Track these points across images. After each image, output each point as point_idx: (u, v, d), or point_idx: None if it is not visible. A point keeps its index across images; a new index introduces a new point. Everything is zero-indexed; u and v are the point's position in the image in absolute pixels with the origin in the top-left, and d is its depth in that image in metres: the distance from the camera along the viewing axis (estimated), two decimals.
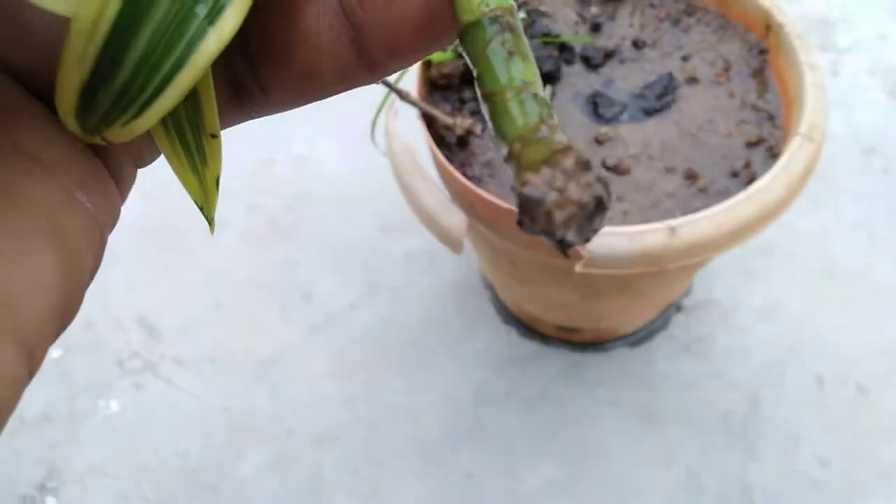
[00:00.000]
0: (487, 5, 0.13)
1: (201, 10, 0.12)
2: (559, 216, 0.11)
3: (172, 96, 0.13)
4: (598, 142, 0.62)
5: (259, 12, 0.13)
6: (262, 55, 0.15)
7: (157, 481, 0.75)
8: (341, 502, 0.73)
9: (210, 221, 0.17)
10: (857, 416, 0.74)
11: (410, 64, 0.15)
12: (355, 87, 0.16)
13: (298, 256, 0.88)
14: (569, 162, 0.12)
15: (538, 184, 0.12)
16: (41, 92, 0.14)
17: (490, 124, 0.13)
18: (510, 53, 0.13)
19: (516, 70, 0.13)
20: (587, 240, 0.12)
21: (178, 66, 0.13)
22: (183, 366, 0.82)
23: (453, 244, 0.60)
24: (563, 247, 0.12)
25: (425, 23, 0.14)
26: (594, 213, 0.12)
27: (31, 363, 0.13)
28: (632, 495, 0.71)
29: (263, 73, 0.15)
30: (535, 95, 0.13)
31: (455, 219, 0.59)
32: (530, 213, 0.12)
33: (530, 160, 0.12)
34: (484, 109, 0.13)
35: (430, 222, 0.60)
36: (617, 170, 0.61)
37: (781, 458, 0.72)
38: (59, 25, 0.13)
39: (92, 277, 0.15)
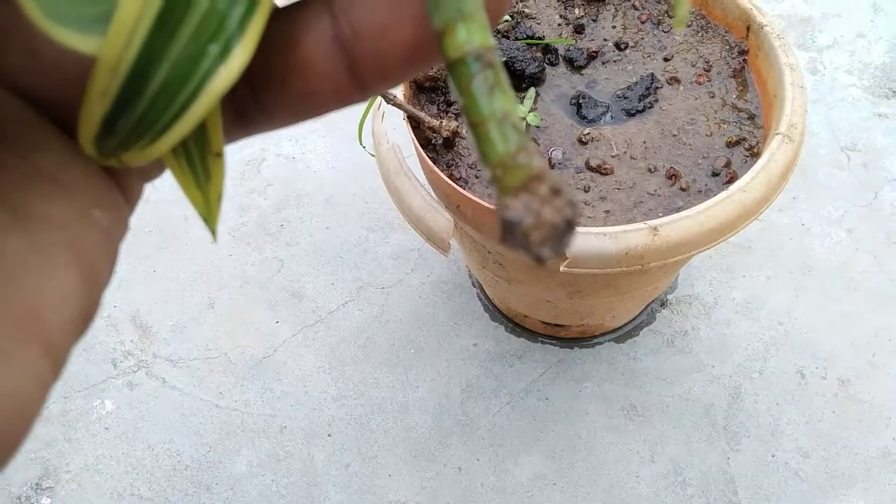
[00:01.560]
0: (471, 44, 0.14)
1: (213, 50, 0.14)
2: (535, 236, 0.13)
3: (187, 125, 0.14)
4: (582, 142, 0.64)
5: (261, 42, 0.15)
6: (264, 81, 0.17)
7: (152, 479, 0.76)
8: (334, 497, 0.74)
9: (213, 232, 0.19)
10: (838, 408, 0.75)
11: (400, 83, 0.17)
12: (348, 105, 0.18)
13: (289, 256, 0.89)
14: (544, 188, 0.13)
15: (517, 208, 0.13)
16: (54, 115, 0.16)
17: (476, 150, 0.14)
18: (491, 88, 0.14)
19: (497, 103, 0.14)
20: (560, 254, 0.14)
21: (192, 99, 0.14)
22: (176, 365, 0.83)
23: (440, 245, 0.61)
24: (539, 261, 0.14)
25: (415, 52, 0.16)
26: (565, 232, 0.13)
27: (56, 367, 0.14)
28: (618, 488, 0.73)
29: (264, 97, 0.17)
30: (514, 126, 0.14)
31: (442, 220, 0.59)
32: (511, 233, 0.13)
33: (510, 185, 0.13)
34: (469, 136, 0.15)
35: (418, 223, 0.61)
36: (600, 170, 0.62)
37: (763, 450, 0.74)
38: (72, 55, 0.14)
39: (107, 285, 0.16)
